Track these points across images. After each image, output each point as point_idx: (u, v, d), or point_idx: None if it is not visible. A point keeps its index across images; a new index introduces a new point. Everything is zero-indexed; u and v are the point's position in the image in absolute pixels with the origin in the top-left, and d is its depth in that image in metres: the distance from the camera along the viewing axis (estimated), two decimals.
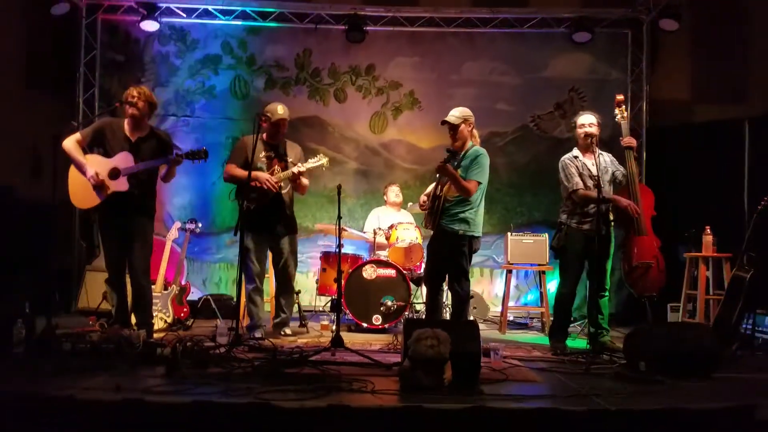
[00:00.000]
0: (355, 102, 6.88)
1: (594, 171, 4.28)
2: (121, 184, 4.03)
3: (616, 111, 4.50)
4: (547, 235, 5.77)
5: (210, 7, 6.68)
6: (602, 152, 4.46)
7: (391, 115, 6.88)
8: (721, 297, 4.65)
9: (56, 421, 2.45)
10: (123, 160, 4.05)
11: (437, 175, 4.26)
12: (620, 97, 4.54)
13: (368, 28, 6.67)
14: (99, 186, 4.01)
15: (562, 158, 4.46)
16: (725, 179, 5.84)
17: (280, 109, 4.54)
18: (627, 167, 4.38)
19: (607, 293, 4.42)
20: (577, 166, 4.35)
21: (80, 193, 4.09)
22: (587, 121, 4.38)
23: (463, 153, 4.22)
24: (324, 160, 4.48)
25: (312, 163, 4.47)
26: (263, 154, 4.55)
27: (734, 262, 4.70)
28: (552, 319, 4.55)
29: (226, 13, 6.72)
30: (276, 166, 4.53)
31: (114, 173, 4.03)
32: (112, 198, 4.04)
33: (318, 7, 6.70)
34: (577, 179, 4.32)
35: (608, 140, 5.34)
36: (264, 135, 4.49)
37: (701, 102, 6.59)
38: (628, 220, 4.34)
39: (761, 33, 6.19)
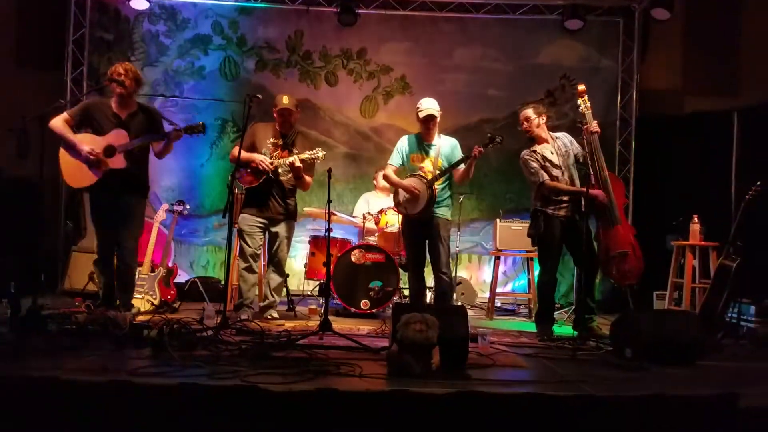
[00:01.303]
0: (346, 86, 6.82)
1: (555, 159, 4.30)
2: (118, 161, 3.98)
3: (579, 101, 4.43)
4: None
5: None
6: (557, 134, 4.46)
7: (382, 100, 6.84)
8: (707, 285, 4.70)
9: (41, 402, 2.42)
10: (117, 136, 4.00)
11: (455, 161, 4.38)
12: (581, 87, 4.49)
13: (360, 11, 6.60)
14: (95, 163, 3.95)
15: (522, 155, 4.41)
16: (713, 169, 5.88)
17: (285, 99, 4.59)
18: (595, 155, 4.27)
19: (598, 278, 4.46)
20: (537, 159, 4.33)
21: (75, 172, 4.02)
22: (523, 117, 4.40)
23: (432, 141, 4.45)
24: (320, 154, 4.48)
25: (307, 154, 4.46)
26: (271, 140, 4.59)
27: (721, 251, 4.74)
28: (537, 306, 4.58)
29: None
30: (277, 152, 4.53)
31: (109, 150, 3.98)
32: (108, 176, 3.98)
33: None
34: (542, 172, 4.30)
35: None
36: (276, 124, 4.62)
37: (691, 92, 6.60)
38: (600, 211, 4.30)
39: (752, 24, 6.20)
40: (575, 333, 4.18)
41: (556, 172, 4.28)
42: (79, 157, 3.97)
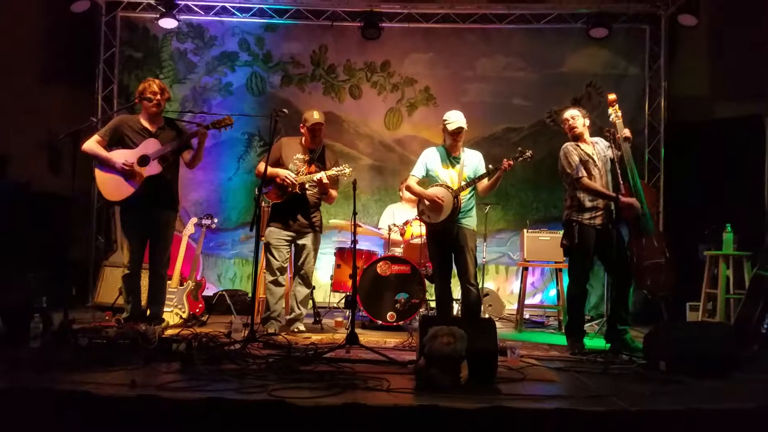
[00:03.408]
0: (370, 98, 6.86)
1: (597, 161, 4.23)
2: (153, 168, 4.07)
3: (610, 110, 4.36)
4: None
5: (227, 5, 6.71)
6: (596, 139, 4.37)
7: (406, 112, 6.86)
8: (741, 296, 4.57)
9: (72, 416, 2.46)
10: (148, 146, 4.10)
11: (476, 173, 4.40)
12: (612, 96, 4.43)
13: (384, 24, 6.66)
14: (131, 174, 4.04)
15: (564, 145, 4.30)
16: (745, 176, 5.75)
17: (316, 115, 4.62)
18: (627, 162, 4.19)
19: (631, 289, 4.29)
20: (579, 154, 4.23)
21: (112, 186, 4.10)
22: (570, 115, 4.32)
23: (458, 154, 4.46)
24: (347, 170, 4.51)
25: (334, 170, 4.50)
26: (299, 156, 4.62)
27: (755, 260, 4.61)
28: (567, 318, 4.49)
29: (243, 10, 6.74)
30: (305, 168, 4.57)
31: (143, 160, 4.07)
32: (147, 187, 4.06)
33: (334, 3, 6.70)
34: (581, 167, 4.18)
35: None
36: (303, 139, 4.65)
37: (720, 98, 6.48)
38: (632, 219, 4.19)
39: None
40: (608, 345, 4.08)
41: (595, 171, 4.19)
42: (115, 171, 4.07)
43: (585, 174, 4.17)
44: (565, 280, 5.62)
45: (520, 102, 6.78)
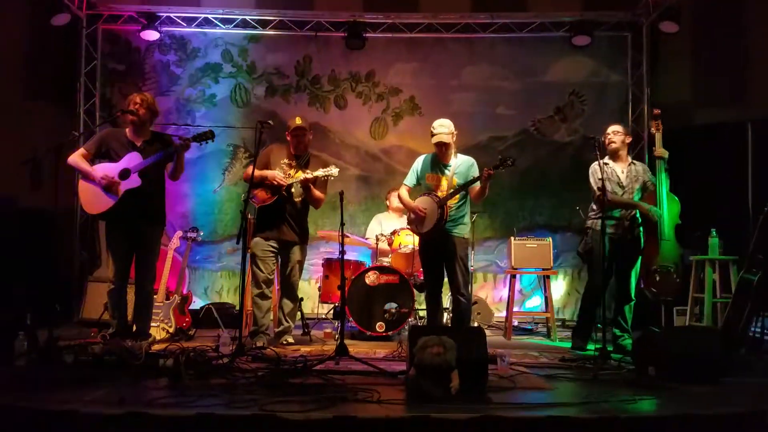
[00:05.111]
0: (355, 108, 6.87)
1: (623, 179, 4.51)
2: (133, 181, 4.03)
3: (652, 124, 4.73)
4: (551, 239, 5.76)
5: (210, 16, 6.69)
6: (635, 162, 4.68)
7: (392, 121, 6.88)
8: (728, 300, 4.62)
9: None
10: (131, 159, 4.07)
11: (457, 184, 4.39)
12: (657, 111, 4.75)
13: (368, 34, 6.68)
14: (110, 186, 4.00)
15: (594, 163, 4.55)
16: (729, 181, 5.81)
17: (297, 120, 4.68)
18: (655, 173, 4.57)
19: (633, 299, 4.57)
20: (606, 172, 4.45)
21: (92, 199, 4.08)
22: (611, 130, 4.62)
23: (448, 162, 4.45)
24: (333, 171, 4.50)
25: (321, 171, 4.48)
26: (285, 161, 4.63)
27: (741, 264, 4.66)
28: (578, 317, 4.80)
29: (226, 21, 6.73)
30: (291, 171, 4.58)
31: (124, 173, 4.03)
32: (125, 200, 4.01)
33: (318, 14, 6.71)
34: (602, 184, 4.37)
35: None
36: (290, 146, 4.67)
37: (703, 104, 6.55)
38: (651, 225, 4.46)
39: (762, 34, 6.17)
40: (595, 352, 4.10)
41: (618, 190, 4.49)
42: (96, 184, 4.03)
43: (609, 189, 4.41)
44: (553, 287, 5.70)
45: (504, 111, 6.82)
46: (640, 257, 4.52)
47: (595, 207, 4.59)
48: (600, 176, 4.32)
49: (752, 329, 4.34)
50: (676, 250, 4.47)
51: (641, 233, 4.53)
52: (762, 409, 2.65)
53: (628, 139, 4.68)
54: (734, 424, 2.62)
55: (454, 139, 4.46)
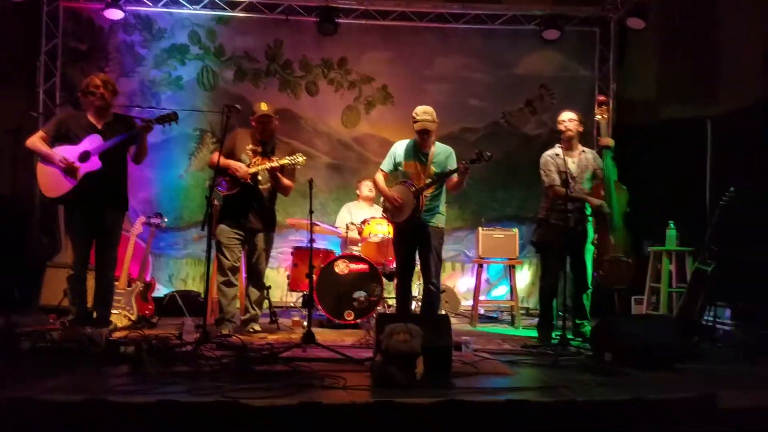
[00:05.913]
0: (327, 95, 6.81)
1: (573, 168, 4.45)
2: (93, 164, 3.92)
3: (597, 111, 4.66)
4: (517, 230, 5.85)
5: None
6: (585, 149, 4.64)
7: (364, 110, 6.85)
8: (683, 290, 4.77)
9: (16, 422, 2.36)
10: (91, 141, 3.95)
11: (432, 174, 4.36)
12: (602, 98, 4.70)
13: (340, 20, 6.61)
14: (69, 169, 3.89)
15: (544, 154, 4.56)
16: (688, 176, 5.97)
17: (263, 106, 4.59)
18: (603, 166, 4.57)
19: (589, 287, 4.63)
20: (557, 164, 4.46)
21: (51, 182, 3.95)
22: (567, 117, 4.54)
23: (428, 149, 4.40)
24: (300, 159, 4.45)
25: (287, 159, 4.43)
26: (250, 147, 4.54)
27: (696, 255, 4.82)
28: (539, 312, 4.77)
29: (193, 1, 6.56)
30: (257, 159, 4.49)
31: (84, 156, 3.92)
32: (85, 184, 3.91)
33: None
34: (554, 176, 4.45)
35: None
36: (255, 131, 4.58)
37: (666, 100, 6.69)
38: (600, 217, 4.50)
39: (728, 32, 6.32)
40: (556, 339, 4.21)
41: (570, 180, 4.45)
42: (55, 166, 3.92)
43: (558, 182, 4.41)
44: (517, 277, 5.80)
45: (475, 102, 6.86)
46: (592, 247, 4.60)
47: (547, 199, 4.57)
48: (551, 168, 4.42)
49: (706, 318, 4.50)
50: (627, 239, 4.54)
51: (589, 224, 4.59)
52: (712, 394, 2.75)
53: (581, 128, 4.61)
54: (686, 407, 2.72)
55: (436, 127, 4.41)
